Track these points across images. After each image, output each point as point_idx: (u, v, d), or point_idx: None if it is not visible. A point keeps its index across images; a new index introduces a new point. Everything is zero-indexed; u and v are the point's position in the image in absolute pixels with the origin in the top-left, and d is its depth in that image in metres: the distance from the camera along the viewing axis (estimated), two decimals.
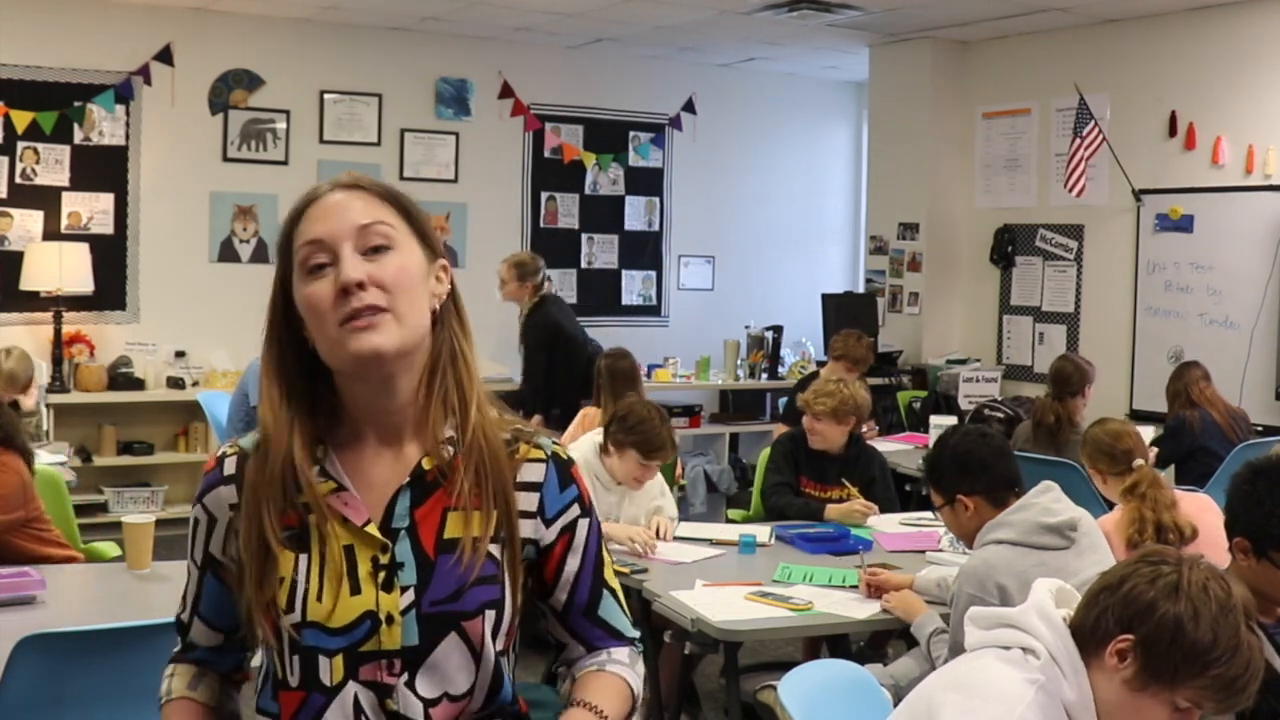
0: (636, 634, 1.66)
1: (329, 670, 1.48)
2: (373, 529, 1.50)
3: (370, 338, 1.45)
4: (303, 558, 1.49)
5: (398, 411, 1.53)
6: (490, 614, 1.51)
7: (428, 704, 1.50)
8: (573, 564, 1.59)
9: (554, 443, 1.62)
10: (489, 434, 1.54)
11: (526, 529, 1.56)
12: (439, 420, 1.52)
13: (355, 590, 1.48)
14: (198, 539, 1.59)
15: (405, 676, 1.48)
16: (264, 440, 1.52)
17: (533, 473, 1.57)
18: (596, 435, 4.36)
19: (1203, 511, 3.76)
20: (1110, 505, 4.07)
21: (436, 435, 1.52)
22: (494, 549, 1.52)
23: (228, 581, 1.56)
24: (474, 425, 1.53)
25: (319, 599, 1.48)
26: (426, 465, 1.52)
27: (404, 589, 1.49)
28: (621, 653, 1.62)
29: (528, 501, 1.56)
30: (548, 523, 1.57)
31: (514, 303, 6.89)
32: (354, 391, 1.52)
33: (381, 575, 1.49)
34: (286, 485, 1.50)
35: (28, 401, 5.72)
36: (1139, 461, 3.83)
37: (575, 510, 1.59)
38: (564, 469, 1.60)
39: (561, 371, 6.65)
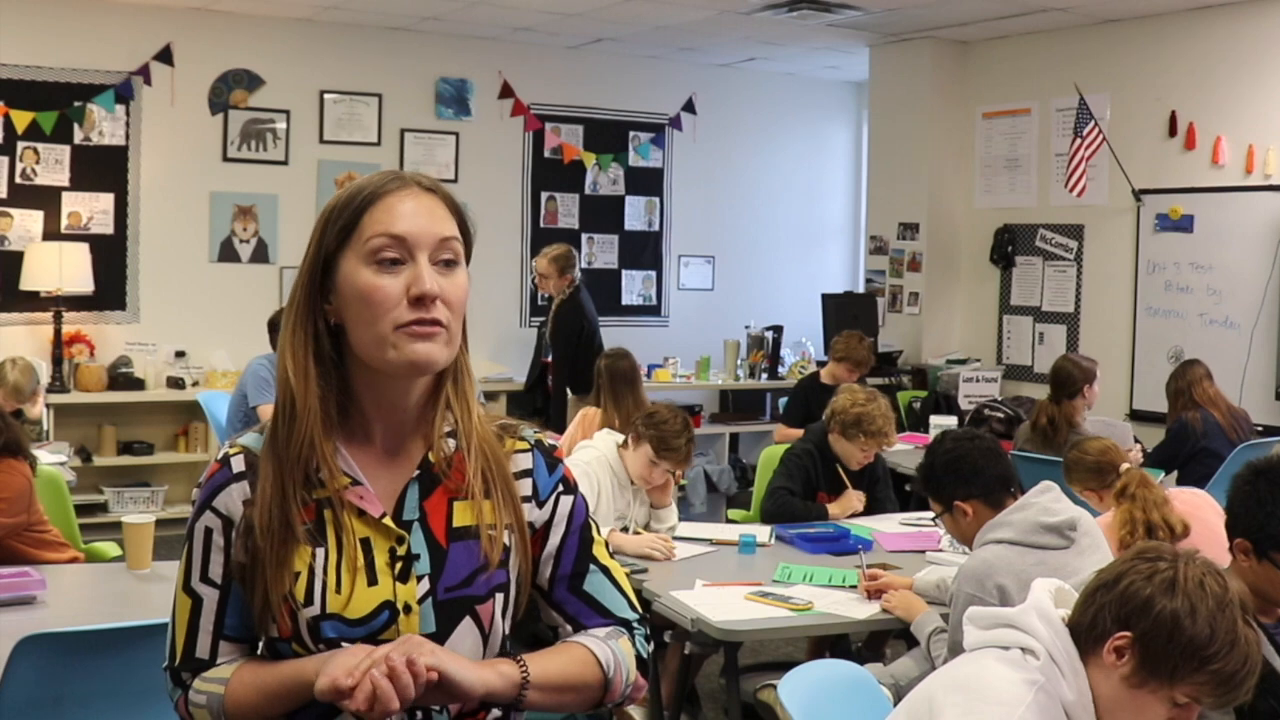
0: (633, 615, 1.64)
1: None
2: (389, 521, 1.53)
3: (429, 349, 1.48)
4: (319, 551, 1.51)
5: (405, 410, 1.56)
6: (500, 596, 1.55)
7: None
8: (555, 537, 1.61)
9: (535, 431, 1.66)
10: (484, 429, 1.59)
11: (525, 514, 1.60)
12: (440, 418, 1.57)
13: (372, 581, 1.51)
14: (213, 549, 1.54)
15: None
16: (286, 416, 1.51)
17: (522, 461, 1.62)
18: (616, 435, 4.38)
19: (1199, 509, 3.75)
20: None
21: (438, 430, 1.56)
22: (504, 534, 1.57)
23: (246, 582, 1.54)
24: (474, 423, 1.57)
25: (337, 591, 1.50)
26: (433, 458, 1.56)
27: (419, 578, 1.52)
28: (601, 630, 1.61)
29: (522, 488, 1.61)
30: (540, 504, 1.61)
31: (555, 295, 7.18)
32: (375, 386, 1.54)
33: (398, 566, 1.52)
34: (309, 470, 1.51)
35: (34, 411, 5.73)
36: (1125, 466, 3.83)
37: (560, 488, 1.63)
38: (548, 453, 1.65)
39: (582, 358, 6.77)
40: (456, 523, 1.55)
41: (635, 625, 1.64)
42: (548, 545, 1.61)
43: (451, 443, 1.57)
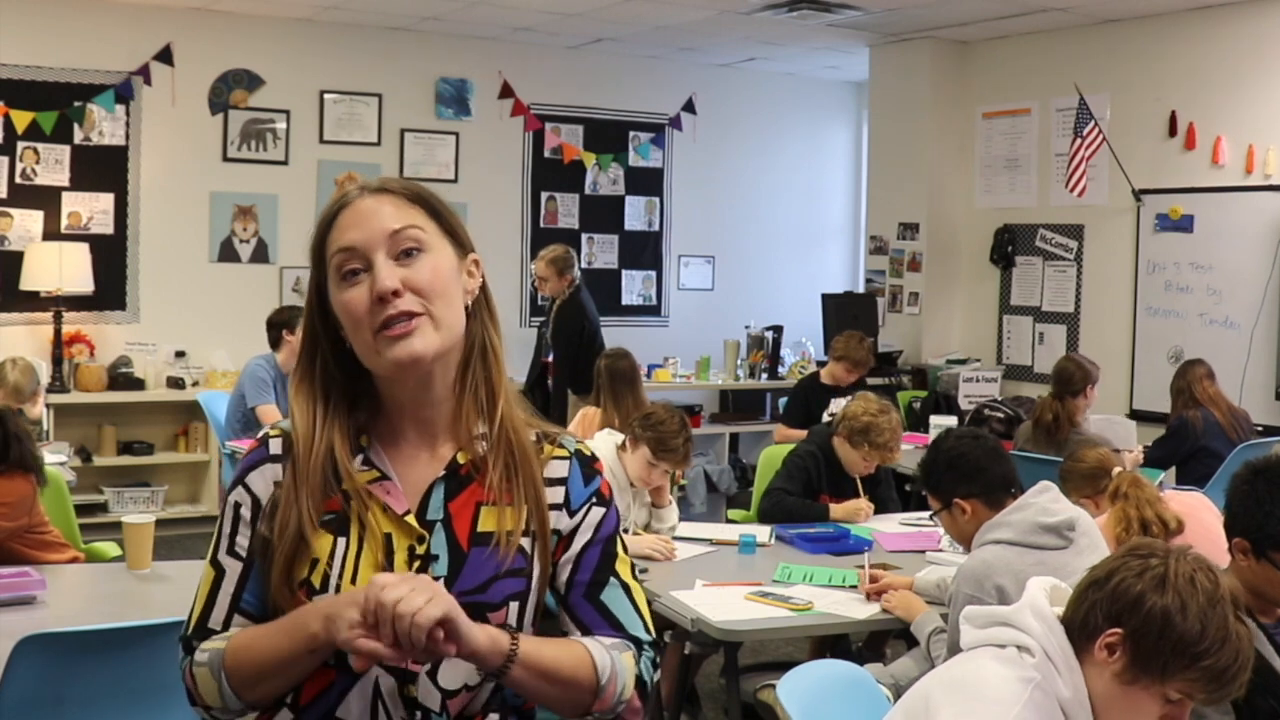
0: (646, 637, 1.62)
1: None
2: (411, 519, 1.53)
3: (408, 345, 1.49)
4: (340, 541, 1.52)
5: (433, 407, 1.56)
6: (514, 605, 1.54)
7: (446, 694, 1.52)
8: (579, 543, 1.60)
9: (576, 441, 1.66)
10: (518, 428, 1.58)
11: (553, 521, 1.59)
12: (472, 416, 1.56)
13: None
14: (240, 524, 1.56)
15: (428, 665, 1.51)
16: (295, 441, 1.55)
17: (558, 469, 1.61)
18: (615, 436, 4.38)
19: (1195, 510, 3.76)
20: None
21: (470, 431, 1.56)
22: (524, 542, 1.56)
23: (267, 560, 1.55)
24: (502, 418, 1.56)
25: (353, 583, 1.50)
26: (461, 460, 1.56)
27: (435, 579, 1.51)
28: (609, 640, 1.58)
29: (554, 495, 1.60)
30: (571, 514, 1.61)
31: (555, 296, 7.24)
32: (392, 390, 1.56)
33: (416, 565, 1.52)
34: (326, 476, 1.53)
35: (34, 411, 5.72)
36: (1116, 470, 3.84)
37: (594, 500, 1.62)
38: (587, 464, 1.64)
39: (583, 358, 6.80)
40: (481, 527, 1.55)
41: (646, 647, 1.61)
42: (570, 549, 1.60)
43: (484, 445, 1.56)
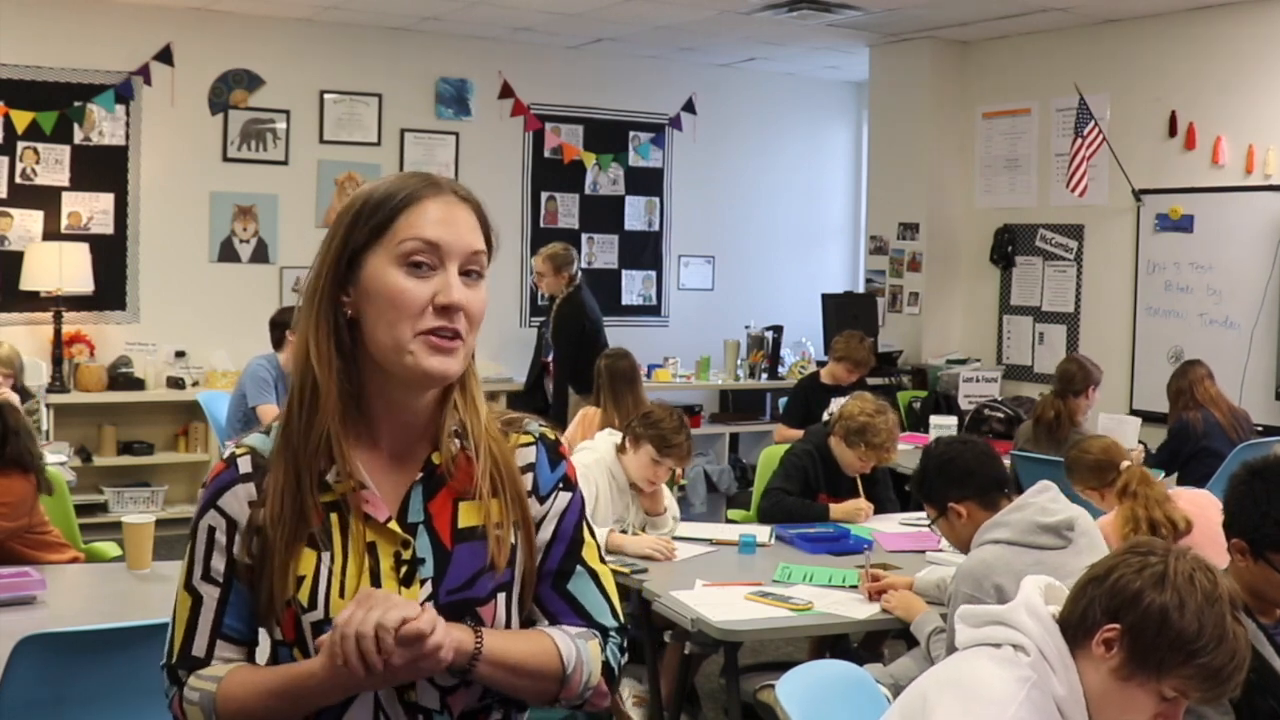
0: (612, 624, 1.61)
1: None
2: (394, 525, 1.53)
3: (446, 361, 1.49)
4: (325, 555, 1.51)
5: (414, 413, 1.55)
6: (502, 596, 1.54)
7: (445, 692, 1.52)
8: (545, 533, 1.60)
9: (540, 425, 1.65)
10: (489, 426, 1.58)
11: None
12: (449, 423, 1.56)
13: (375, 586, 1.50)
14: (215, 548, 1.54)
15: None
16: (306, 405, 1.50)
17: (525, 456, 1.61)
18: (615, 436, 4.38)
19: (1203, 509, 3.76)
20: None
21: (444, 432, 1.56)
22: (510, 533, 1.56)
23: (252, 583, 1.54)
24: (483, 425, 1.57)
25: (341, 595, 1.50)
26: (436, 460, 1.55)
27: (423, 581, 1.52)
28: (574, 629, 1.58)
29: (524, 482, 1.60)
30: (541, 500, 1.60)
31: (554, 294, 7.27)
32: (386, 388, 1.54)
33: (403, 570, 1.52)
34: (323, 464, 1.51)
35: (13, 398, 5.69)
36: (1125, 464, 3.84)
37: (560, 485, 1.62)
38: (552, 448, 1.63)
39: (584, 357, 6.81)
40: (462, 524, 1.54)
41: (612, 633, 1.61)
42: (536, 539, 1.60)
43: (457, 443, 1.56)
